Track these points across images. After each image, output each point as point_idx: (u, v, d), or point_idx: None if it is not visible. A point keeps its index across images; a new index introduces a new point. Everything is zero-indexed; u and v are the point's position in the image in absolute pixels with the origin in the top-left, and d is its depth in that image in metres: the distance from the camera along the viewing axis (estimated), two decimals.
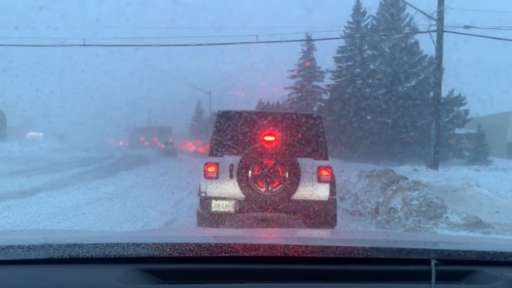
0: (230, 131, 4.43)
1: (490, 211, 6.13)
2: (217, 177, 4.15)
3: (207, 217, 4.19)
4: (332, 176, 4.24)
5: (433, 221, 5.18)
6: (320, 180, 4.16)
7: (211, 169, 4.18)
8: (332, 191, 4.21)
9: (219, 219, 4.20)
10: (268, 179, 3.99)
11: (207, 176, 4.18)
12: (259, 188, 3.98)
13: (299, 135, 4.38)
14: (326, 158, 4.37)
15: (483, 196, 6.84)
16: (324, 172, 4.18)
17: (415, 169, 11.24)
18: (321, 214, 4.12)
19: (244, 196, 4.03)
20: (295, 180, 3.98)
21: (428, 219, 5.23)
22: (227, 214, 4.17)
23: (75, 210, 5.78)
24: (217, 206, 4.10)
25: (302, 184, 4.07)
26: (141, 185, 9.29)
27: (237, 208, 4.08)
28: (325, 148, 4.41)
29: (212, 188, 4.16)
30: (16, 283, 1.06)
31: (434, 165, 11.49)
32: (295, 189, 4.02)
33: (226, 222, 4.44)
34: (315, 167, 4.18)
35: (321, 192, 4.16)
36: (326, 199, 4.16)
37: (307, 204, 4.10)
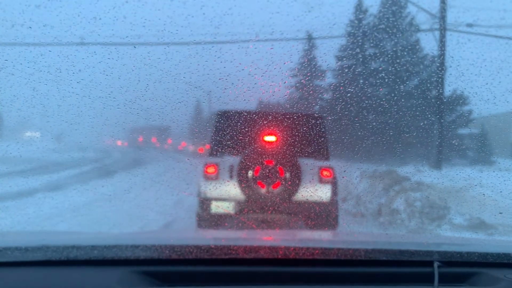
0: (230, 131, 4.40)
1: (493, 212, 6.09)
2: (216, 178, 4.12)
3: (206, 218, 4.15)
4: (334, 177, 4.20)
5: (436, 222, 5.17)
6: (321, 181, 4.12)
7: (211, 169, 4.14)
8: (334, 192, 4.17)
9: (219, 220, 4.16)
10: (268, 180, 3.96)
11: (207, 177, 4.14)
12: (260, 189, 3.96)
13: (300, 135, 4.35)
14: (327, 159, 4.33)
15: (486, 197, 6.80)
16: (325, 173, 4.14)
17: (418, 170, 11.21)
18: (323, 216, 4.09)
19: (245, 197, 4.00)
20: (296, 181, 3.95)
21: (431, 220, 5.21)
22: (227, 215, 4.15)
23: (73, 211, 5.75)
24: (217, 207, 4.08)
25: (303, 185, 4.03)
26: (140, 185, 9.27)
27: (237, 210, 4.05)
28: (327, 148, 4.38)
29: (212, 189, 4.12)
30: (13, 285, 1.06)
31: (437, 165, 11.46)
32: (296, 190, 3.99)
33: (226, 224, 4.42)
34: (316, 167, 4.15)
35: (323, 193, 4.12)
36: (328, 200, 4.12)
37: (308, 205, 4.08)
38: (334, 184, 4.18)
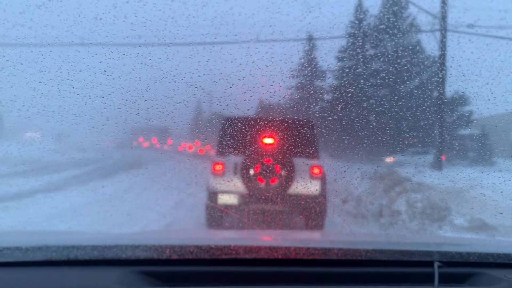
0: (234, 134, 4.92)
1: (494, 213, 6.08)
2: (223, 174, 4.65)
3: (214, 208, 4.64)
4: (323, 174, 4.71)
5: (437, 223, 5.16)
6: (312, 177, 4.63)
7: (218, 167, 4.67)
8: (323, 187, 4.68)
9: (224, 211, 4.66)
10: (267, 176, 4.47)
11: (215, 174, 4.67)
12: (260, 183, 4.47)
13: (295, 138, 4.86)
14: (318, 158, 4.88)
15: (486, 197, 6.79)
16: (316, 170, 4.67)
17: (418, 170, 11.19)
18: (314, 206, 4.56)
19: (247, 191, 4.50)
20: (291, 177, 4.47)
21: (432, 221, 5.21)
22: (231, 206, 4.66)
23: (73, 211, 5.75)
24: (223, 199, 4.59)
25: (297, 180, 4.54)
26: (140, 186, 9.27)
27: (240, 201, 4.56)
28: (317, 149, 4.97)
29: (219, 184, 4.64)
30: (13, 285, 1.06)
31: (437, 166, 11.46)
32: (291, 185, 4.49)
33: (231, 212, 4.78)
34: (308, 165, 4.67)
35: (313, 187, 4.63)
36: (318, 193, 4.64)
37: (301, 197, 4.59)
38: (323, 180, 4.73)
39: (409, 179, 7.14)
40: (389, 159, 18.08)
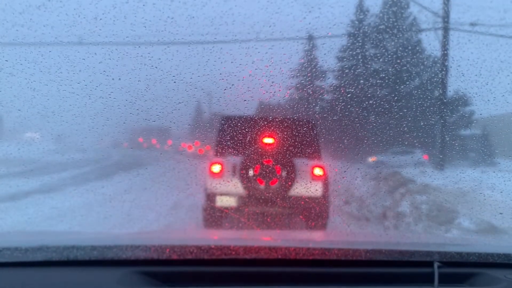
0: (233, 134, 4.80)
1: (494, 213, 6.06)
2: (221, 175, 4.53)
3: (212, 211, 4.55)
4: (325, 175, 4.62)
5: (444, 226, 5.09)
6: (314, 178, 4.53)
7: (216, 168, 4.55)
8: (325, 188, 4.59)
9: (223, 213, 4.56)
10: (267, 177, 4.36)
11: (213, 175, 4.57)
12: (259, 185, 4.36)
13: (295, 138, 4.76)
14: (319, 158, 4.76)
15: (487, 197, 6.78)
16: (317, 171, 4.56)
17: (420, 171, 11.21)
18: (315, 208, 4.46)
19: (246, 192, 4.39)
20: (291, 178, 4.36)
21: (439, 224, 5.14)
22: (230, 208, 4.55)
23: (73, 211, 5.75)
24: (221, 201, 4.49)
25: (298, 181, 4.44)
26: (139, 186, 9.27)
27: (239, 203, 4.46)
28: (319, 150, 4.85)
29: (217, 185, 4.53)
30: (13, 286, 1.06)
31: (439, 166, 11.48)
32: (291, 186, 4.39)
33: (229, 220, 4.72)
34: (309, 166, 4.57)
35: (315, 188, 4.53)
36: (320, 195, 4.54)
37: (302, 199, 4.48)
38: (325, 181, 4.61)
39: (411, 180, 7.11)
40: (372, 159, 18.16)
